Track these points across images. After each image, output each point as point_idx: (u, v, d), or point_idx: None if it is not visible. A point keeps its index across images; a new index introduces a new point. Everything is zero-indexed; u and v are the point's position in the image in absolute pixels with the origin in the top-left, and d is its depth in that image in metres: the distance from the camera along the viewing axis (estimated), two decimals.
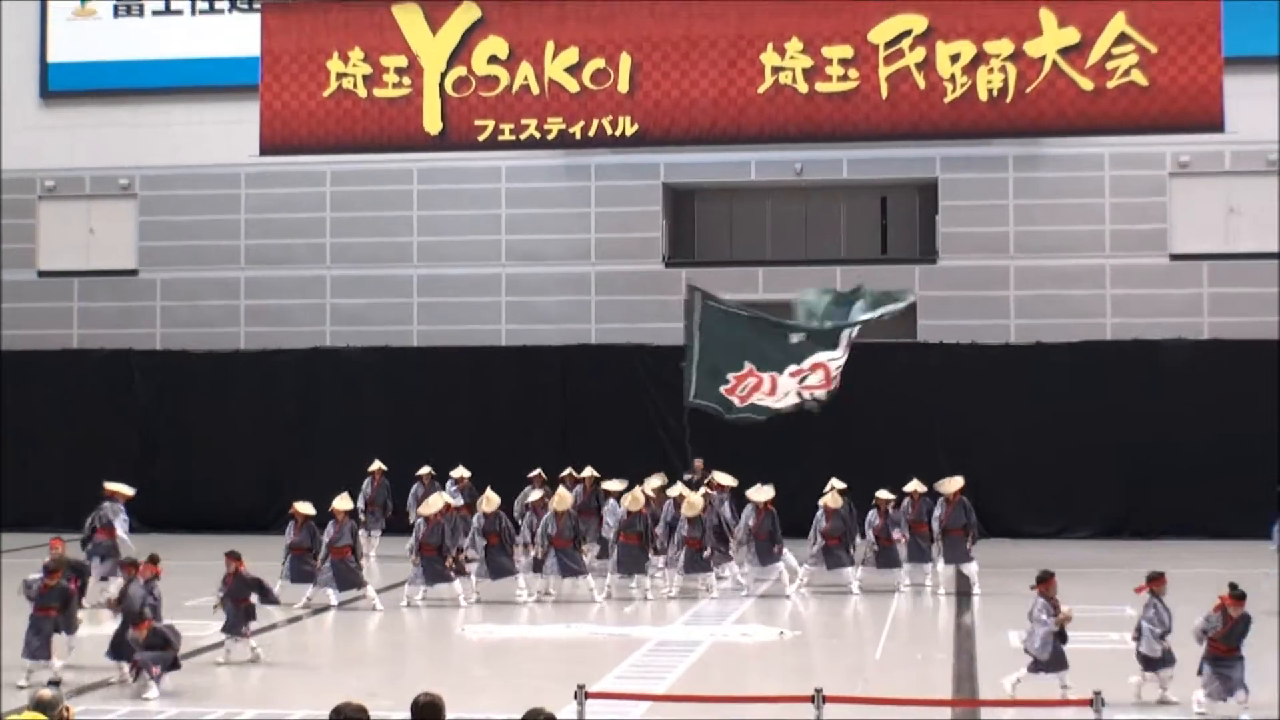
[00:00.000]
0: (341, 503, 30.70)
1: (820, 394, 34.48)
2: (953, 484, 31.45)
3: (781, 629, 26.73)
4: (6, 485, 43.82)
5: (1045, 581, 20.87)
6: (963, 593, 30.79)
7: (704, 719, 17.95)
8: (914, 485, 32.33)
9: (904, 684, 21.13)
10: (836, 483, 32.25)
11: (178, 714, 20.14)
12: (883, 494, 32.00)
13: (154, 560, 22.86)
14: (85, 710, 17.89)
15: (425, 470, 36.67)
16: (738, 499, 33.87)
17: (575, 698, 15.39)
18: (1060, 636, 20.39)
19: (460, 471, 36.54)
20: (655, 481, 34.80)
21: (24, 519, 42.62)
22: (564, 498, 31.29)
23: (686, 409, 35.15)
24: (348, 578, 29.59)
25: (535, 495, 33.13)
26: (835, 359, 34.09)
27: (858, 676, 22.13)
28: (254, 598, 23.95)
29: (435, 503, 30.50)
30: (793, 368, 34.09)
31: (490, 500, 30.89)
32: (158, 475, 43.12)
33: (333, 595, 29.37)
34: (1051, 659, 20.29)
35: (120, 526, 30.02)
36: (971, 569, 31.18)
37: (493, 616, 28.28)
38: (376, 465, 37.67)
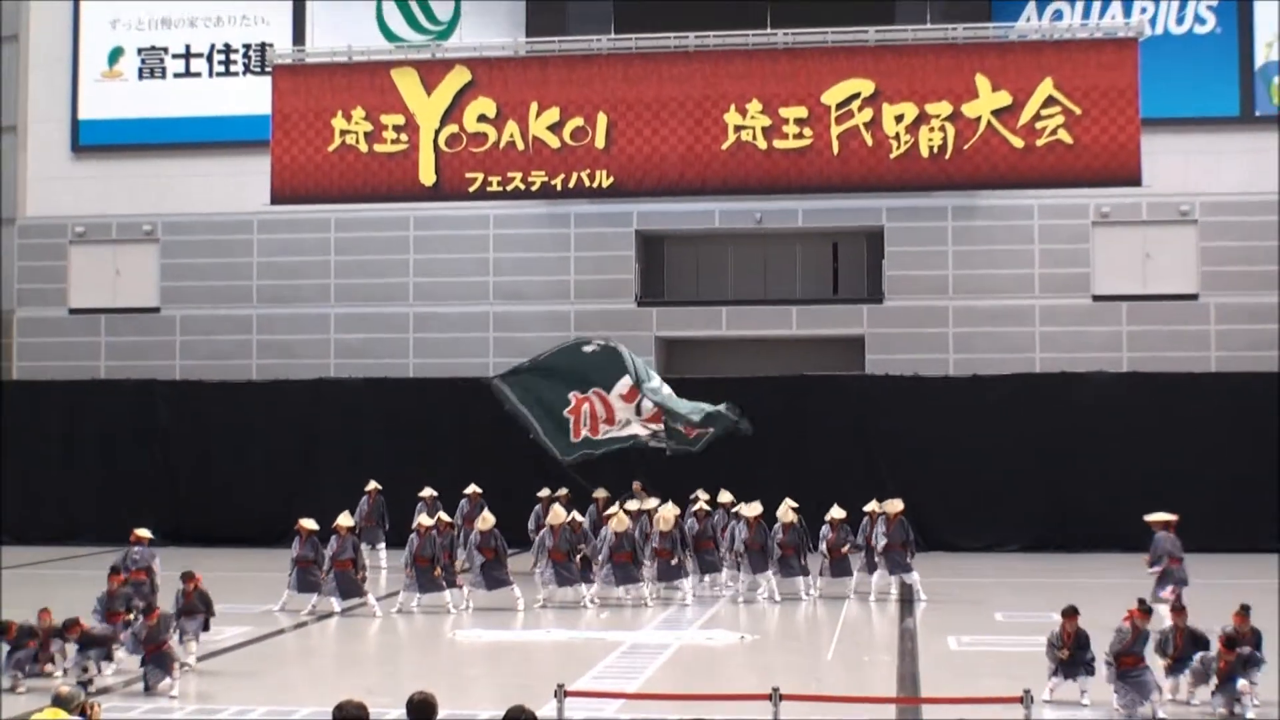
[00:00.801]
0: (343, 519, 30.51)
1: (657, 429, 34.82)
2: (895, 505, 31.41)
3: (743, 633, 26.69)
4: (43, 504, 43.70)
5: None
6: (905, 600, 30.76)
7: (673, 716, 17.93)
8: (872, 505, 32.30)
9: (853, 683, 21.13)
10: (790, 502, 32.24)
11: (193, 711, 20.08)
12: (836, 512, 31.98)
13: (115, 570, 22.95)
14: (106, 709, 17.79)
15: (428, 492, 36.46)
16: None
17: (555, 696, 15.37)
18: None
19: (428, 491, 36.36)
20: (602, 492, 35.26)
21: (58, 535, 42.67)
22: (621, 519, 31.03)
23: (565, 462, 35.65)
24: (349, 588, 29.51)
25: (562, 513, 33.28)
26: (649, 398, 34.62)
27: (811, 676, 22.11)
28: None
29: (427, 524, 30.37)
30: (610, 392, 34.59)
31: (486, 519, 30.75)
32: (177, 494, 43.16)
33: (335, 603, 29.28)
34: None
35: (158, 571, 29.83)
36: (913, 578, 31.17)
37: (481, 622, 28.20)
38: (372, 485, 37.55)
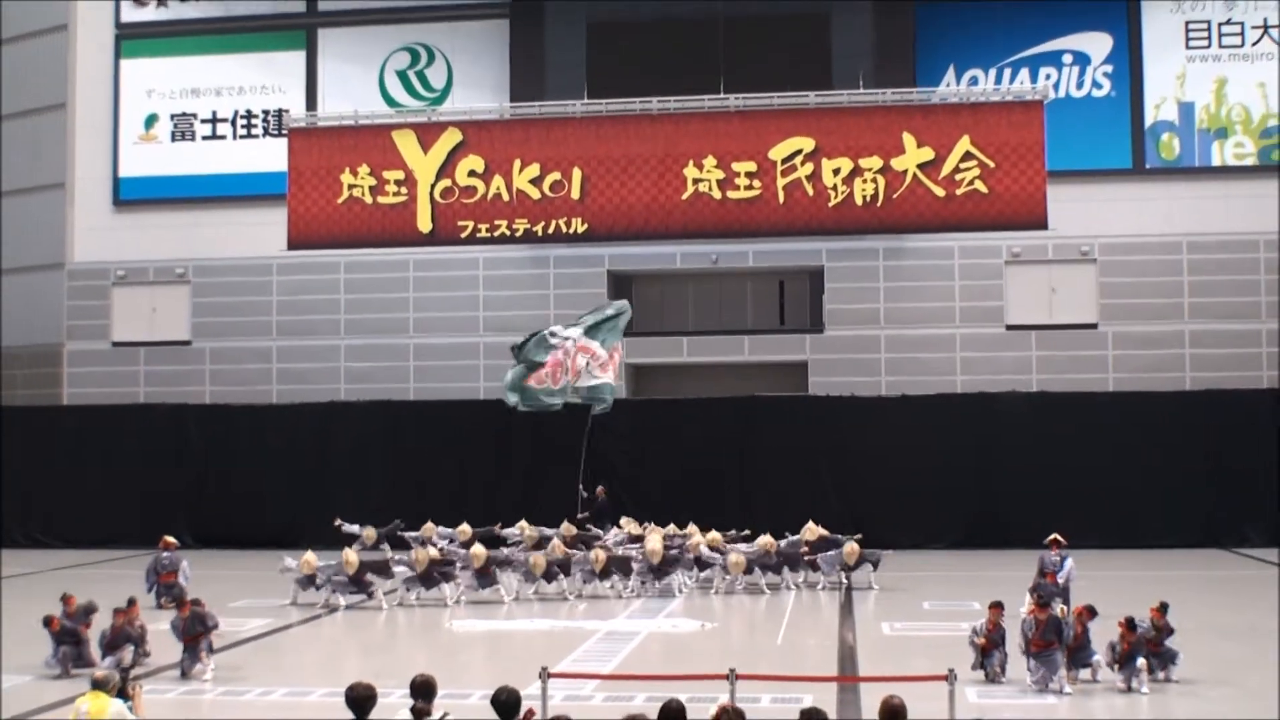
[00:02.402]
0: (367, 531, 31.50)
1: (601, 375, 34.74)
2: (851, 547, 31.51)
3: (704, 621, 26.66)
4: (89, 512, 43.51)
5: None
6: (846, 589, 30.74)
7: (641, 694, 17.90)
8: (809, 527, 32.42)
9: (800, 664, 21.12)
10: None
11: (222, 692, 20.00)
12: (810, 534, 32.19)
13: (133, 603, 22.71)
14: (146, 691, 17.71)
15: (429, 528, 35.87)
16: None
17: (539, 677, 15.33)
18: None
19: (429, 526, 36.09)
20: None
21: (102, 539, 42.41)
22: (655, 549, 30.90)
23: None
24: (366, 583, 29.44)
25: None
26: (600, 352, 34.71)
27: (763, 659, 22.09)
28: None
29: (423, 558, 30.07)
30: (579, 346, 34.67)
31: (478, 556, 30.39)
32: (206, 504, 42.97)
33: (341, 599, 29.17)
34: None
35: (184, 573, 29.73)
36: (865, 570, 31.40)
37: (475, 614, 28.13)
38: (369, 531, 36.65)
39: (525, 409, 35.30)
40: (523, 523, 35.18)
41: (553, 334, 34.97)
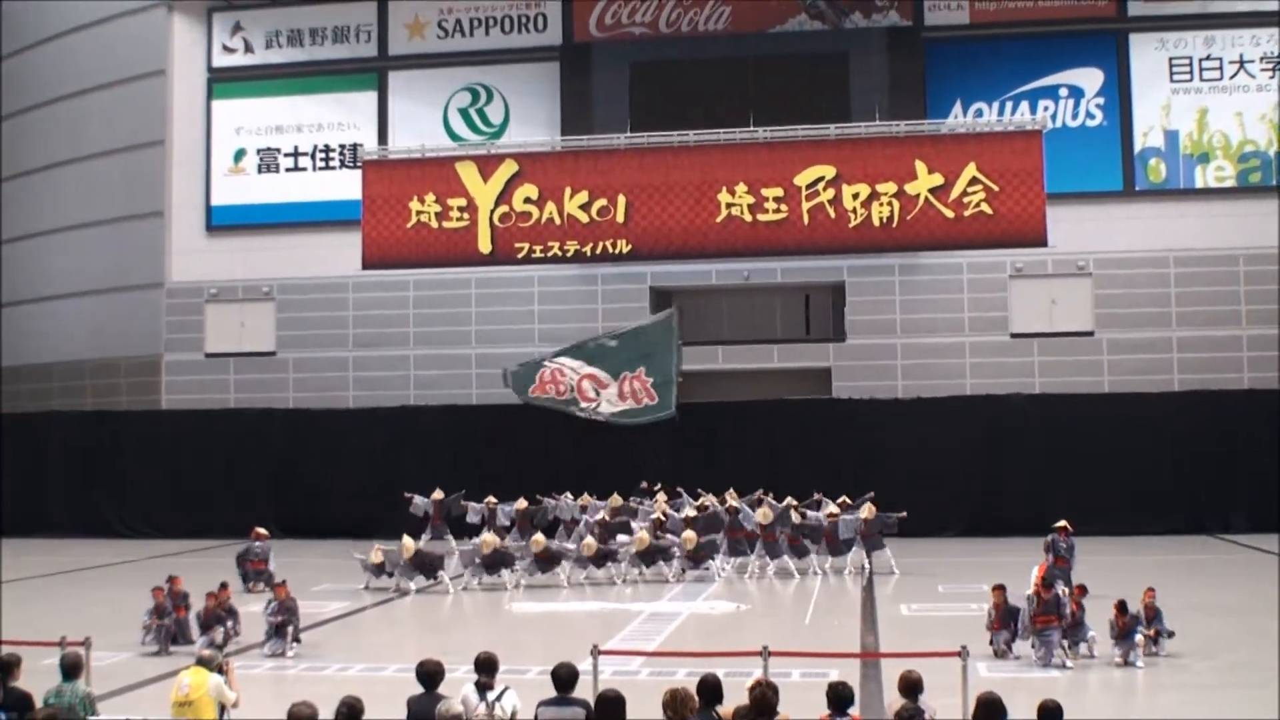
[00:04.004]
0: (435, 494, 34.17)
1: (621, 403, 34.93)
2: (868, 508, 31.45)
3: (739, 603, 26.58)
4: (186, 506, 43.79)
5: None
6: (869, 574, 30.63)
7: (683, 669, 17.81)
8: (832, 507, 32.25)
9: (826, 642, 21.00)
10: (790, 500, 32.61)
11: (304, 668, 20.01)
12: (832, 506, 32.08)
13: (224, 586, 22.90)
14: (239, 665, 17.72)
15: (490, 500, 36.27)
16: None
17: (590, 654, 15.27)
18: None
19: (490, 499, 36.34)
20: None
21: (197, 530, 42.77)
22: (690, 537, 30.95)
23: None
24: (430, 569, 29.43)
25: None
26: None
27: (793, 637, 21.98)
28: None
29: (490, 542, 30.18)
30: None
31: (538, 543, 30.43)
32: (288, 498, 43.20)
33: (412, 584, 29.18)
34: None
35: (272, 562, 29.91)
36: (885, 555, 31.23)
37: (532, 597, 28.09)
38: (437, 493, 37.13)
39: (537, 403, 36.27)
40: (567, 494, 35.69)
41: (541, 361, 35.84)
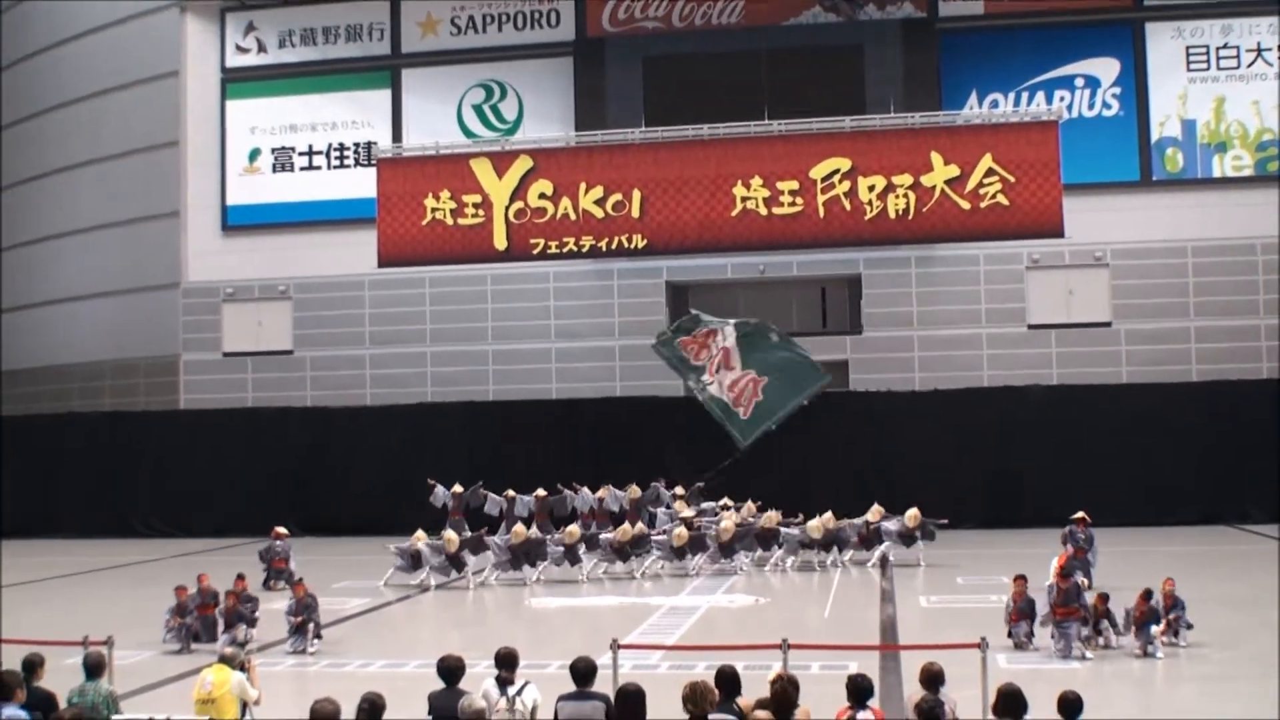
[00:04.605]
0: (455, 488, 34.09)
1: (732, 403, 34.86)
2: (913, 515, 31.47)
3: (758, 597, 26.61)
4: (204, 505, 43.90)
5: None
6: (888, 566, 30.64)
7: (703, 663, 17.86)
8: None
9: (846, 635, 21.04)
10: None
11: (326, 664, 20.10)
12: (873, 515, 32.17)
13: (241, 577, 23.00)
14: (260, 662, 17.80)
15: (509, 492, 36.31)
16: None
17: (610, 648, 15.33)
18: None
19: (510, 492, 36.24)
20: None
21: (216, 529, 42.87)
22: (728, 527, 31.15)
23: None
24: (456, 565, 29.52)
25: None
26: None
27: (813, 630, 22.03)
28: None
29: (520, 532, 30.36)
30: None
31: (572, 534, 30.55)
32: (307, 496, 43.28)
33: (433, 580, 29.26)
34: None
35: (292, 560, 30.04)
36: (918, 548, 31.39)
37: (551, 592, 28.15)
38: (456, 487, 37.15)
39: (664, 354, 35.53)
40: (585, 489, 35.63)
41: (707, 322, 35.18)
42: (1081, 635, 19.60)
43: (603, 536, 31.07)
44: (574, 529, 30.79)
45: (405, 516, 38.01)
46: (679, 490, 36.19)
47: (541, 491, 35.86)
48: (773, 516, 32.02)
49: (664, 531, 31.60)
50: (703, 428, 40.22)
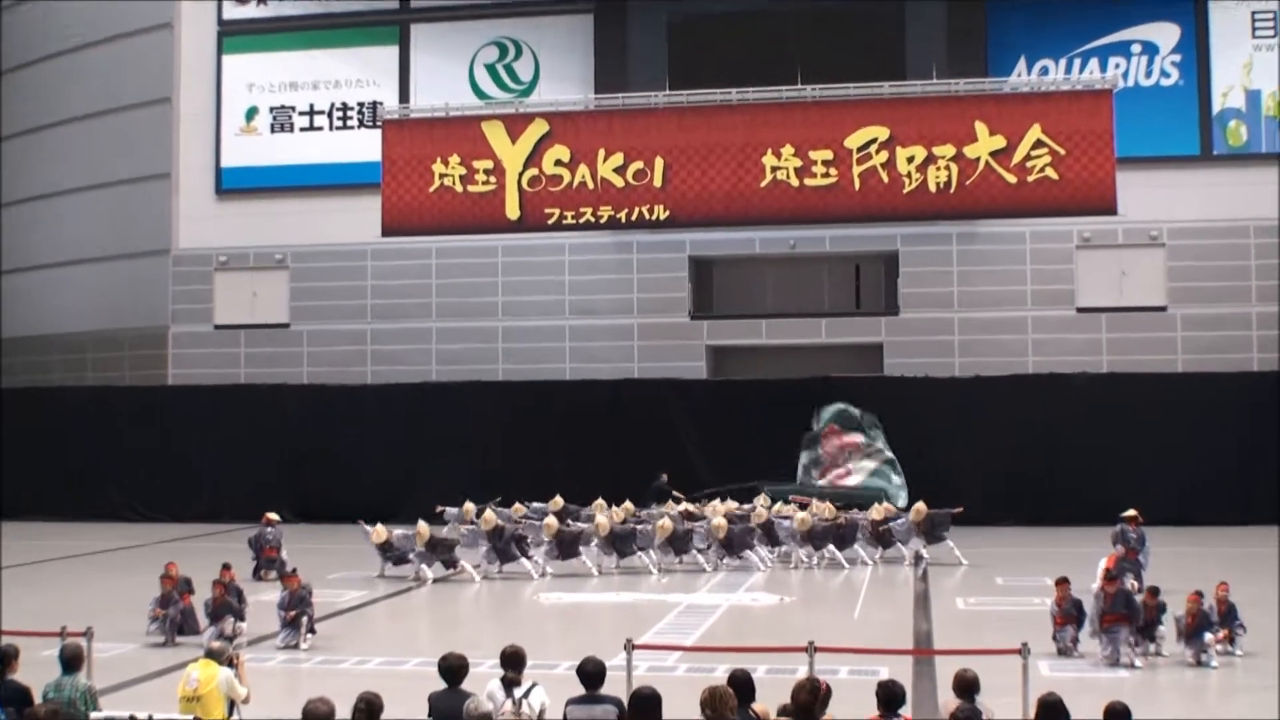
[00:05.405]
0: (466, 506, 33.40)
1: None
2: (916, 509, 31.56)
3: (782, 595, 26.59)
4: (194, 488, 44.02)
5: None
6: (924, 565, 30.60)
7: (722, 665, 17.83)
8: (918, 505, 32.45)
9: (876, 638, 21.00)
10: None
11: (319, 662, 20.11)
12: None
13: (227, 567, 22.92)
14: (249, 657, 17.81)
15: (518, 506, 35.48)
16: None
17: (624, 649, 15.30)
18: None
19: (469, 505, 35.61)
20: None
21: (206, 514, 43.03)
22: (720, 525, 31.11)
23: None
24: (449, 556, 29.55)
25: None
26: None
27: (841, 632, 21.99)
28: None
29: (490, 519, 30.36)
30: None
31: (550, 527, 30.45)
32: (303, 480, 43.39)
33: (429, 572, 29.22)
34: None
35: (284, 549, 30.03)
36: (947, 545, 31.33)
37: (560, 587, 28.15)
38: (468, 505, 35.85)
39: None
40: (600, 501, 34.77)
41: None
42: (1131, 640, 19.50)
43: (586, 528, 30.91)
44: (550, 521, 30.53)
45: (405, 503, 38.09)
46: (675, 494, 36.21)
47: (559, 499, 35.06)
48: (761, 513, 31.88)
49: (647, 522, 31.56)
50: (726, 413, 40.29)
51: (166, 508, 44.04)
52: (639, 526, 31.02)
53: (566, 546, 30.04)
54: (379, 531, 29.80)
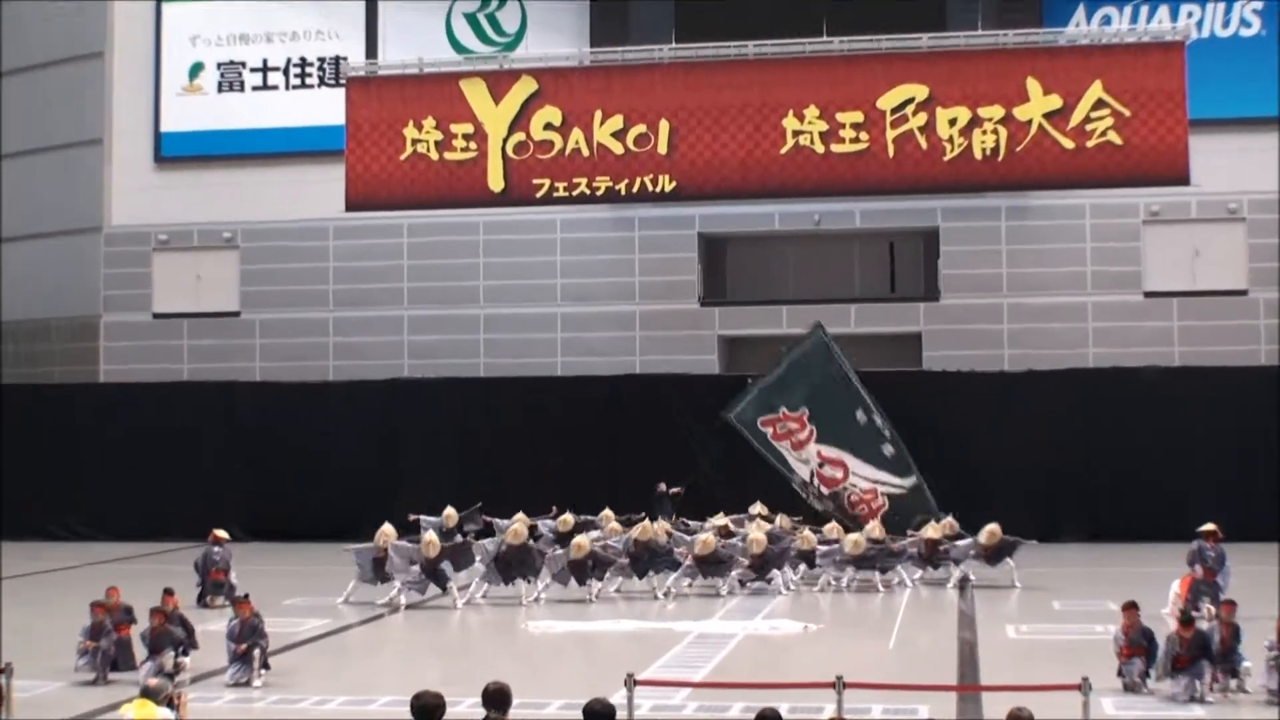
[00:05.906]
0: (447, 513, 33.96)
1: (823, 490, 35.27)
2: (989, 531, 31.45)
3: (807, 623, 26.56)
4: (131, 502, 43.89)
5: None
6: (967, 586, 30.57)
7: (738, 703, 17.80)
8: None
9: (915, 671, 20.95)
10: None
11: (274, 700, 20.06)
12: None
13: (170, 593, 22.81)
14: (194, 696, 17.75)
15: (520, 516, 35.53)
16: None
17: (625, 685, 15.25)
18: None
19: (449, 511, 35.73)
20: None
21: (147, 532, 42.86)
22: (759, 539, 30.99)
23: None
24: (437, 580, 29.40)
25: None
26: (862, 477, 35.26)
27: (874, 665, 21.94)
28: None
29: (519, 532, 30.24)
30: (824, 449, 34.86)
31: (580, 546, 30.28)
32: (258, 492, 43.33)
33: (403, 596, 29.12)
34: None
35: (233, 571, 29.96)
36: (1007, 565, 31.33)
37: (553, 614, 28.12)
38: (449, 512, 36.08)
39: (746, 435, 36.25)
40: (607, 511, 34.72)
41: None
42: (1206, 675, 19.37)
43: (609, 543, 30.91)
44: (582, 540, 30.45)
45: (374, 521, 37.95)
46: (676, 490, 36.32)
47: (569, 517, 34.93)
48: (810, 538, 31.86)
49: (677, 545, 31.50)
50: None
51: (99, 524, 43.97)
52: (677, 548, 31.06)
53: (585, 569, 29.82)
54: (383, 537, 29.74)
